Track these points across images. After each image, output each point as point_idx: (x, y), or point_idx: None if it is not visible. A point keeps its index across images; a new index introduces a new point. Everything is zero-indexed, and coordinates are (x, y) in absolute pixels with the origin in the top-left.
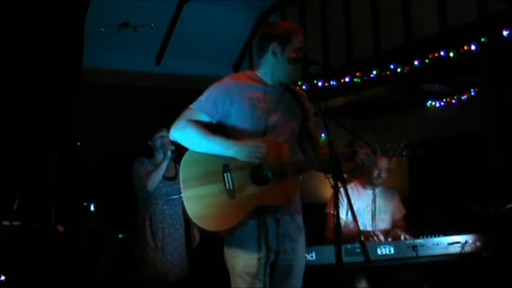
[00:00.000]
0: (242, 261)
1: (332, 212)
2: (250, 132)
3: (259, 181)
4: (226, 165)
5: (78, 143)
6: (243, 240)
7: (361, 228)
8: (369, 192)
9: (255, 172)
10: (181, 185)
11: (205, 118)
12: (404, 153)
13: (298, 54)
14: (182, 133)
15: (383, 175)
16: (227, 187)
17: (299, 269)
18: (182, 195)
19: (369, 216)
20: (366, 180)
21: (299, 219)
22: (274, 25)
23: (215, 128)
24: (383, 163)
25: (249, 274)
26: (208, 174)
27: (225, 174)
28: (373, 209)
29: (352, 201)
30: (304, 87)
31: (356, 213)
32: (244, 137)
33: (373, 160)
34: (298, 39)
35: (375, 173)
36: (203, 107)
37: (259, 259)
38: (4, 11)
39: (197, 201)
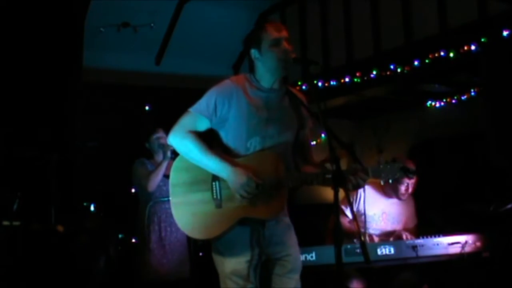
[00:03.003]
0: (231, 265)
1: (344, 208)
2: (245, 140)
3: None
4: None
5: (78, 143)
6: (232, 245)
7: (371, 231)
8: (388, 200)
9: None
10: (170, 190)
11: (203, 121)
12: (396, 176)
13: (281, 43)
14: (180, 143)
15: (410, 189)
16: (215, 196)
17: (294, 264)
18: (170, 199)
19: (382, 224)
20: (389, 189)
21: (286, 220)
22: (248, 33)
23: (213, 135)
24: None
25: (239, 277)
26: (198, 181)
27: (213, 183)
28: (387, 218)
29: (368, 204)
30: (304, 87)
31: (370, 219)
32: (237, 146)
33: (364, 181)
34: (269, 32)
35: (403, 189)
36: (202, 111)
37: (248, 261)
38: (4, 11)
39: (184, 208)
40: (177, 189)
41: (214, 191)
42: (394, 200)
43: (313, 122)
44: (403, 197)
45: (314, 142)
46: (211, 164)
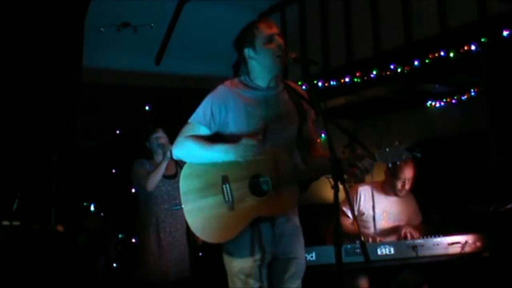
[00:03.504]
0: (238, 264)
1: (345, 210)
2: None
3: (258, 192)
4: (225, 176)
5: (78, 143)
6: (238, 245)
7: (373, 232)
8: (388, 198)
9: (254, 183)
10: (182, 198)
11: (203, 130)
12: (403, 157)
13: (274, 39)
14: (182, 149)
15: (407, 186)
16: (226, 199)
17: (298, 268)
18: (183, 207)
19: (383, 223)
20: (388, 187)
21: (296, 220)
22: (238, 34)
23: (214, 138)
24: (407, 174)
25: (246, 275)
26: (208, 186)
27: (224, 186)
28: (388, 216)
29: (368, 205)
30: (304, 87)
31: (370, 218)
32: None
33: (372, 166)
34: (261, 29)
35: (399, 185)
36: (200, 120)
37: (256, 260)
38: (4, 11)
39: (197, 213)
40: (188, 196)
41: (225, 194)
42: (394, 199)
43: (315, 113)
44: (400, 193)
45: None
46: (216, 153)
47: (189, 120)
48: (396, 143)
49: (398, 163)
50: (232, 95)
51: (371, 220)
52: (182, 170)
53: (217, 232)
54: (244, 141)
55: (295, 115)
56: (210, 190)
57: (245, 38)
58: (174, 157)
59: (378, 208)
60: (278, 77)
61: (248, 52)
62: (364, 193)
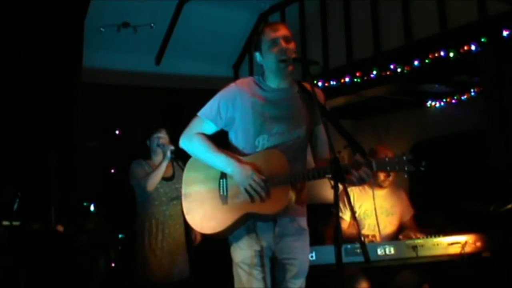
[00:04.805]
0: (239, 255)
1: (341, 215)
2: (252, 139)
3: None
4: (223, 172)
5: (78, 143)
6: (238, 237)
7: (367, 230)
8: (376, 193)
9: None
10: (182, 187)
11: (210, 125)
12: (405, 168)
13: (278, 43)
14: (189, 144)
15: (390, 177)
16: (221, 193)
17: (300, 269)
18: (182, 196)
19: (375, 218)
20: (374, 182)
21: (302, 222)
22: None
23: (220, 138)
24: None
25: (247, 264)
26: (207, 179)
27: (221, 181)
28: (380, 211)
29: (359, 203)
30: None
31: (363, 215)
32: (246, 145)
33: (369, 175)
34: (266, 34)
35: (381, 175)
36: (208, 115)
37: (255, 251)
38: (4, 11)
39: (193, 203)
40: (188, 186)
41: (221, 188)
42: (382, 193)
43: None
44: (384, 184)
45: None
46: (217, 161)
47: (198, 114)
48: (399, 153)
49: (406, 176)
50: (241, 94)
51: (362, 217)
52: (188, 162)
53: (207, 223)
54: (250, 173)
55: (305, 117)
56: (209, 183)
57: (254, 42)
58: (180, 146)
59: (369, 205)
60: (289, 79)
61: (257, 56)
62: (352, 194)
